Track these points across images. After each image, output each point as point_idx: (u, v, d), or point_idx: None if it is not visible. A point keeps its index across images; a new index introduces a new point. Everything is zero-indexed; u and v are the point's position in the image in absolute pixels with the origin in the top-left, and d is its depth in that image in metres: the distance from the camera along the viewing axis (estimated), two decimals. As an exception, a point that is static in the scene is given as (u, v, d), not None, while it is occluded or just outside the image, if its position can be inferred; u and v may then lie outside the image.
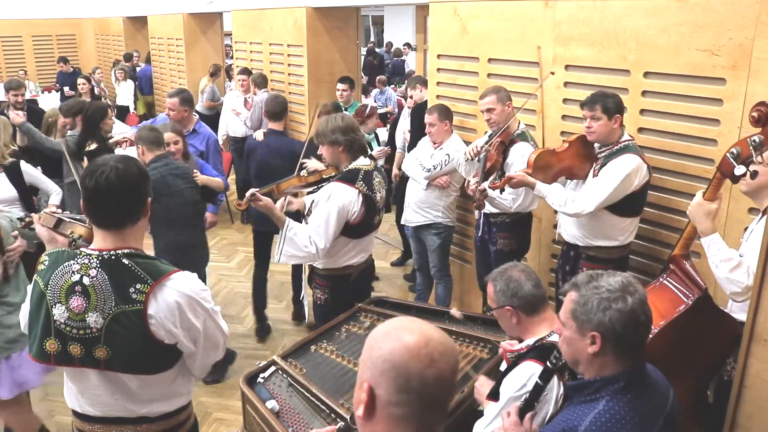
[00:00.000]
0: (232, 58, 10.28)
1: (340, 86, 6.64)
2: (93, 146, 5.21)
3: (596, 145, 3.62)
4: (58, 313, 2.04)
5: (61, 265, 2.07)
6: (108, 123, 5.58)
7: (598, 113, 3.45)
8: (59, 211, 3.16)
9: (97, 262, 2.04)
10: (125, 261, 2.04)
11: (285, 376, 2.89)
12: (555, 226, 4.07)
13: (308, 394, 2.71)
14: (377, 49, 17.69)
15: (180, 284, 2.07)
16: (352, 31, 7.76)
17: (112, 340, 2.02)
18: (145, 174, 2.14)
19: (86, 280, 2.02)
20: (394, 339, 1.31)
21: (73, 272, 2.04)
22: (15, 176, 4.31)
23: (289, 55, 7.70)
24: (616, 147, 3.49)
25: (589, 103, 3.50)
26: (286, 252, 3.40)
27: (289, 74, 7.77)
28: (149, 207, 2.16)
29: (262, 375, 2.91)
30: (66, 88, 11.64)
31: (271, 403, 2.70)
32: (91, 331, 2.02)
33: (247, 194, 3.39)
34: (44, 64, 14.95)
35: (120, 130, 7.90)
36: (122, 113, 10.80)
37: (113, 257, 2.04)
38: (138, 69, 12.57)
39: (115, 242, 2.07)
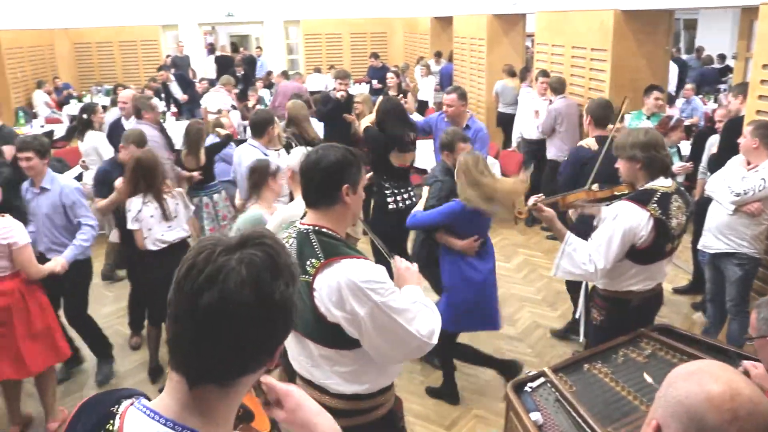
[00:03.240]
0: (531, 59, 10.29)
1: (657, 94, 6.17)
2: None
3: None
4: None
5: (283, 230, 2.43)
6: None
7: None
8: None
9: (296, 233, 2.30)
10: (312, 236, 2.24)
11: (553, 390, 2.82)
12: None
13: (575, 414, 2.62)
14: (684, 56, 16.33)
15: (347, 269, 2.15)
16: (661, 36, 7.25)
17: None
18: (342, 162, 2.26)
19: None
20: (696, 383, 1.21)
21: (283, 238, 2.33)
22: None
23: (591, 59, 7.46)
24: None
25: None
26: (563, 267, 3.30)
27: (590, 79, 7.53)
28: (348, 193, 2.26)
29: (530, 384, 2.88)
30: (375, 81, 12.65)
31: (536, 415, 2.66)
32: None
33: (530, 202, 3.35)
34: (358, 59, 16.44)
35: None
36: (422, 107, 11.46)
37: (305, 231, 2.27)
38: (440, 66, 13.22)
39: (314, 219, 2.30)
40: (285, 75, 12.43)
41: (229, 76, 10.87)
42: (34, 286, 4.00)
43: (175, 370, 1.13)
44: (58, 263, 4.19)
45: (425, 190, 4.28)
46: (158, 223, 4.45)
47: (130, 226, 4.45)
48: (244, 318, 1.06)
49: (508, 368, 4.44)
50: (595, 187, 3.54)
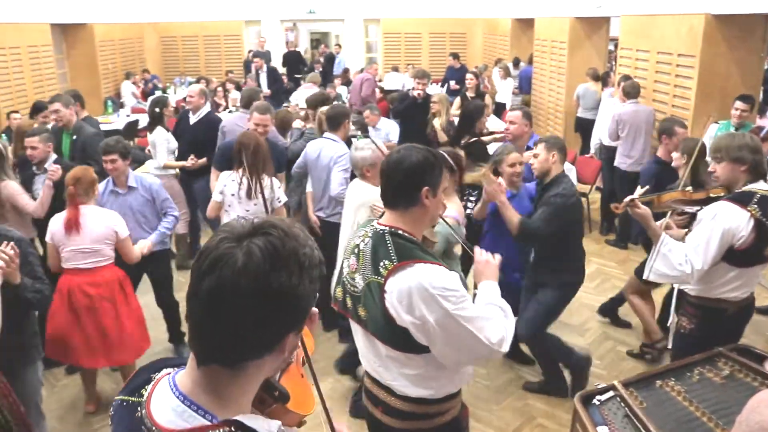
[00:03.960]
0: (614, 63, 10.04)
1: (739, 105, 5.96)
2: (470, 140, 5.56)
3: None
4: (345, 267, 2.39)
5: (360, 228, 2.43)
6: (482, 121, 5.92)
7: None
8: None
9: (372, 232, 2.29)
10: (387, 237, 2.23)
11: (623, 405, 2.73)
12: None
13: (644, 431, 2.53)
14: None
15: (420, 274, 2.12)
16: (756, 42, 6.93)
17: (366, 303, 2.24)
18: (423, 164, 2.23)
19: (362, 246, 2.31)
20: None
21: (360, 236, 2.36)
22: None
23: (677, 65, 7.21)
24: None
25: None
26: (656, 269, 3.21)
27: (674, 86, 7.28)
28: (428, 195, 2.22)
29: (598, 397, 2.80)
30: (452, 82, 12.58)
31: (603, 430, 2.59)
32: (358, 290, 2.28)
33: (627, 199, 3.30)
34: (436, 59, 16.37)
35: (495, 125, 8.33)
36: (499, 109, 11.34)
37: (381, 232, 2.26)
38: (519, 69, 13.05)
39: (391, 220, 2.28)
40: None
41: (316, 73, 11.10)
42: (126, 275, 4.19)
43: (190, 348, 1.17)
44: (144, 245, 4.42)
45: None
46: (238, 203, 4.55)
47: (214, 197, 4.66)
48: (241, 306, 1.08)
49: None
50: (689, 189, 3.54)
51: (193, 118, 6.50)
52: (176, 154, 6.47)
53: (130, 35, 14.67)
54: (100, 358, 4.04)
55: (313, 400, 1.51)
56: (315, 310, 1.91)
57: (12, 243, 3.02)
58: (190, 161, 6.16)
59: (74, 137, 5.71)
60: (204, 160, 6.17)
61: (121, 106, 12.42)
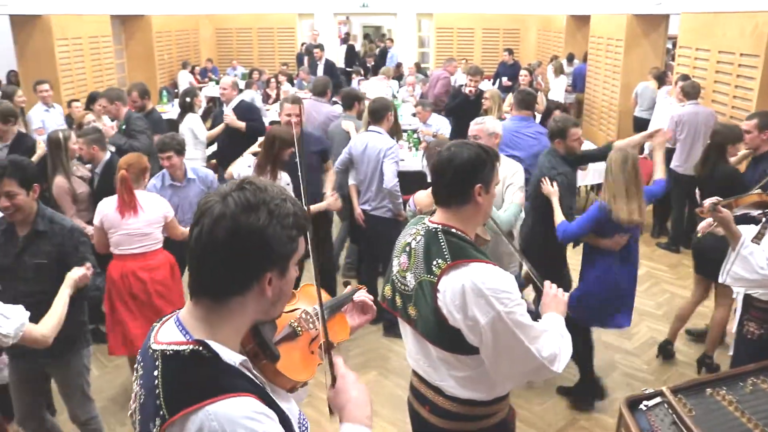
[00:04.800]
0: (673, 62, 9.79)
1: None
2: None
3: None
4: (395, 265, 2.38)
5: (411, 225, 2.41)
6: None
7: None
8: None
9: (424, 230, 2.26)
10: (440, 236, 2.20)
11: (670, 411, 2.66)
12: None
13: (693, 440, 2.47)
14: None
15: (474, 273, 2.08)
16: (824, 42, 6.66)
17: (418, 303, 2.22)
18: (475, 161, 2.19)
19: (413, 244, 2.29)
20: None
21: (410, 234, 2.33)
22: None
23: (739, 65, 6.97)
24: None
25: None
26: (734, 273, 3.08)
27: (735, 86, 7.05)
28: (480, 193, 2.20)
29: (645, 402, 2.74)
30: (504, 78, 12.41)
31: (649, 436, 2.53)
32: (408, 289, 2.27)
33: (706, 203, 3.24)
34: (488, 55, 16.22)
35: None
36: (552, 108, 11.14)
37: (434, 230, 2.23)
38: (573, 67, 12.83)
39: (443, 218, 2.25)
40: (417, 67, 12.50)
41: (389, 67, 11.12)
42: (175, 260, 4.28)
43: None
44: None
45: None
46: None
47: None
48: (216, 244, 1.30)
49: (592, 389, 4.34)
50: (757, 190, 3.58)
51: (226, 110, 6.64)
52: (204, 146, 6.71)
53: (186, 27, 14.95)
54: (125, 346, 4.07)
55: (311, 373, 1.60)
56: (366, 297, 1.94)
57: (89, 264, 3.12)
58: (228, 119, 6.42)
59: (123, 126, 5.97)
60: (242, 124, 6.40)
61: (176, 96, 12.64)
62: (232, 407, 1.26)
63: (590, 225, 3.89)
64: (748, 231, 3.21)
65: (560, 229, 4.01)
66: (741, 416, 2.61)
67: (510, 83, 11.78)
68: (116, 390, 4.54)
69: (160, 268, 4.10)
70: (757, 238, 3.26)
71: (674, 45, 9.43)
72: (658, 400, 2.74)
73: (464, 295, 2.07)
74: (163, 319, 1.47)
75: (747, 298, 3.36)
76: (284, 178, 4.60)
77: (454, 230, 2.21)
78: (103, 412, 4.22)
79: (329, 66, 12.18)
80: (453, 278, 2.11)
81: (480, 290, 2.05)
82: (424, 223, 2.31)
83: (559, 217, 4.05)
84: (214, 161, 6.97)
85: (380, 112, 5.12)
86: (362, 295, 1.98)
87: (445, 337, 2.17)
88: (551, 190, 4.13)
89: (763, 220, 3.25)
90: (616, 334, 5.12)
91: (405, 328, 2.42)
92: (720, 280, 3.23)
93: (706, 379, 2.90)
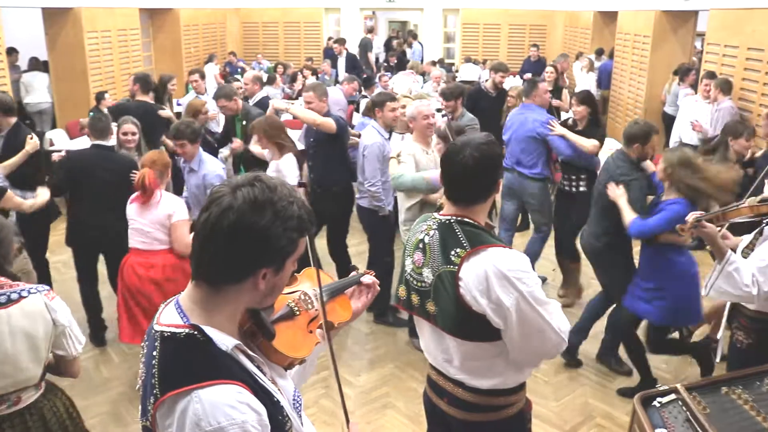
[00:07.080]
0: (700, 60, 9.65)
1: None
2: None
3: None
4: (408, 264, 2.39)
5: (419, 223, 2.44)
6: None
7: None
8: None
9: (437, 224, 2.30)
10: (455, 226, 2.24)
11: (684, 409, 2.65)
12: None
13: (706, 438, 2.46)
14: None
15: (494, 257, 2.13)
16: None
17: (437, 297, 2.24)
18: (498, 161, 2.28)
19: (427, 239, 2.31)
20: None
21: (422, 231, 2.36)
22: None
23: (768, 62, 6.88)
24: None
25: None
26: (718, 287, 3.04)
27: (764, 84, 6.95)
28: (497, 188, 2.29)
29: (659, 399, 2.73)
30: (528, 75, 12.33)
31: (662, 432, 2.53)
32: (425, 285, 2.29)
33: (689, 218, 3.14)
34: (515, 51, 16.12)
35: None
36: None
37: (448, 222, 2.26)
38: (600, 63, 12.70)
39: (454, 210, 2.28)
40: (433, 63, 12.44)
41: (417, 61, 11.12)
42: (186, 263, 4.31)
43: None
44: None
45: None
46: None
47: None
48: (219, 235, 1.35)
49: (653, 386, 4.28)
50: (754, 200, 3.15)
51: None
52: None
53: (213, 20, 15.05)
54: (138, 336, 4.17)
55: (308, 351, 1.69)
56: (370, 279, 1.98)
57: None
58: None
59: (243, 122, 6.07)
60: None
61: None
62: (218, 394, 1.33)
63: (675, 221, 3.59)
64: (747, 240, 3.17)
65: (635, 226, 3.89)
66: (756, 415, 2.60)
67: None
68: (135, 377, 4.60)
69: (161, 269, 4.17)
70: (749, 248, 3.20)
71: (702, 42, 9.30)
72: (672, 397, 2.73)
73: (487, 279, 2.12)
74: (168, 301, 1.53)
75: (735, 305, 3.31)
76: (289, 162, 4.94)
77: (467, 219, 2.25)
78: (122, 397, 4.34)
79: (351, 59, 12.18)
80: (474, 264, 2.15)
81: (503, 273, 2.11)
82: (435, 218, 2.34)
83: (629, 215, 3.95)
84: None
85: (375, 105, 5.21)
86: (370, 278, 2.02)
87: (466, 325, 2.20)
88: (617, 193, 4.08)
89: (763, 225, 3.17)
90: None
91: (422, 326, 2.44)
92: (703, 294, 3.19)
93: (722, 377, 2.88)
